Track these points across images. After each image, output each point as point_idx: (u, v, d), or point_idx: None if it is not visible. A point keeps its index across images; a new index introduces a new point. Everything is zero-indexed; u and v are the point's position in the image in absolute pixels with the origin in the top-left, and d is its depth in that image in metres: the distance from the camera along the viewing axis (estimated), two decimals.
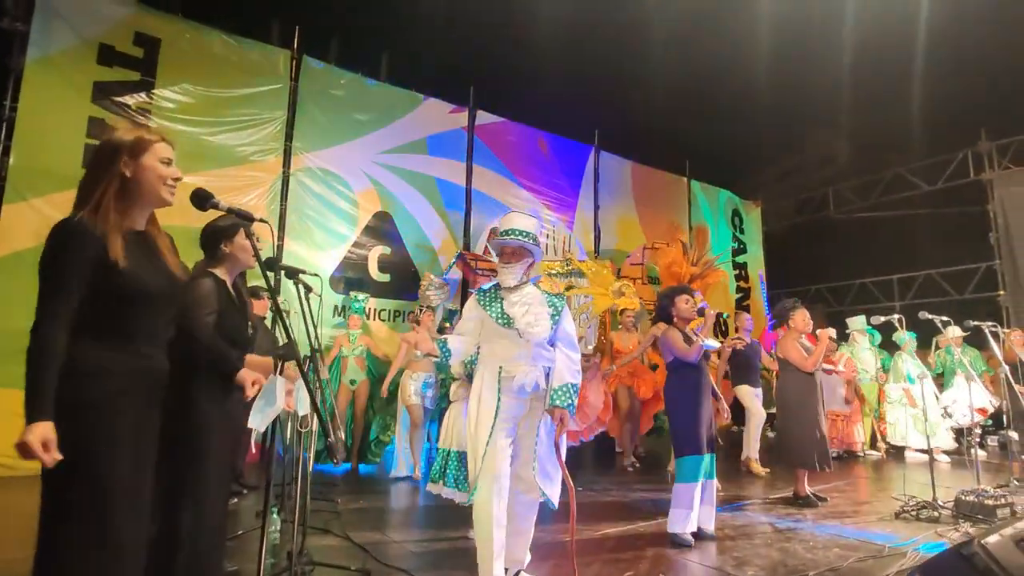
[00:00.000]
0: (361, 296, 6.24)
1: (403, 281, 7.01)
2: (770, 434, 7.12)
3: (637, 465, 5.77)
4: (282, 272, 2.28)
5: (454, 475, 3.28)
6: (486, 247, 7.23)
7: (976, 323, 4.95)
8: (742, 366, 5.68)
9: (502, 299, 2.64)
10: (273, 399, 1.66)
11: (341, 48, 7.03)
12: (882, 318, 4.35)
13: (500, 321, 2.57)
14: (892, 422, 6.65)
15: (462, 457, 3.27)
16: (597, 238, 9.00)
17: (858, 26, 7.34)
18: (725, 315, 8.92)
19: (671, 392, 3.46)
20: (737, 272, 10.91)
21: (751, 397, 5.65)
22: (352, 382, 5.51)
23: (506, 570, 2.54)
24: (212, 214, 1.79)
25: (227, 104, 6.09)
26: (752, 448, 5.56)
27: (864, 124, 9.05)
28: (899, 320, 4.30)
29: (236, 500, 4.04)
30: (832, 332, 4.44)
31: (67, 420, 1.41)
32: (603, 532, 3.52)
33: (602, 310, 6.33)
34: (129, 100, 5.64)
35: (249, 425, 1.73)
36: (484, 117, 8.07)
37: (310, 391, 1.65)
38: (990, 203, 8.66)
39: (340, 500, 4.11)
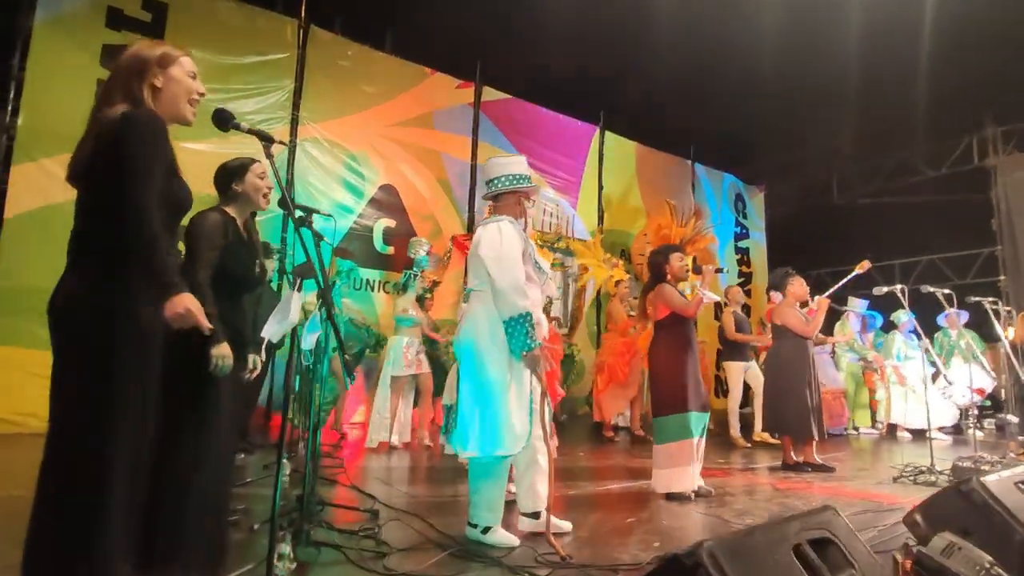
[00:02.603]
0: (348, 264, 6.17)
1: (407, 254, 7.03)
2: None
3: (616, 439, 5.82)
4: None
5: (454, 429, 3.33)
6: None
7: (977, 299, 5.00)
8: (731, 341, 5.72)
9: (529, 241, 2.67)
10: (288, 312, 1.71)
11: (348, 19, 7.00)
12: (884, 288, 4.39)
13: (537, 264, 2.60)
14: (886, 400, 6.70)
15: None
16: (600, 218, 9.01)
17: (864, 11, 7.32)
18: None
19: (659, 349, 3.44)
20: (739, 257, 10.94)
21: (738, 372, 5.69)
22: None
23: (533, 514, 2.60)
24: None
25: (234, 71, 6.09)
26: (733, 428, 5.62)
27: (869, 110, 9.03)
28: (902, 290, 4.34)
29: (243, 456, 4.10)
30: (828, 301, 4.47)
31: (99, 324, 1.44)
32: (605, 488, 3.58)
33: (602, 280, 6.37)
34: None
35: (263, 334, 1.77)
36: (490, 94, 8.06)
37: (331, 317, 1.68)
38: (993, 189, 8.67)
39: (344, 458, 4.17)
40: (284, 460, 3.25)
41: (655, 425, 3.38)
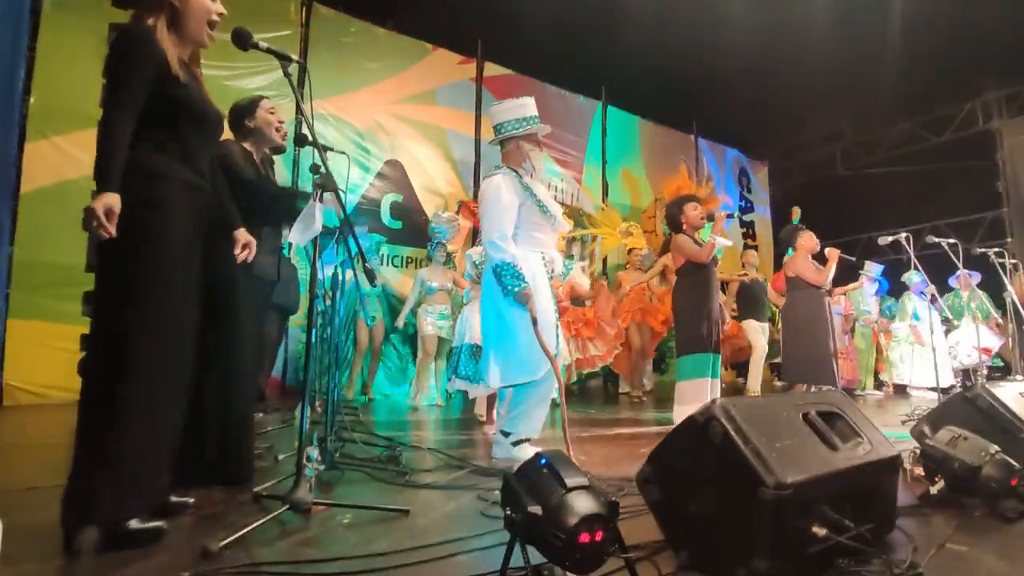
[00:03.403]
0: (378, 237, 6.37)
1: (415, 228, 7.10)
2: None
3: (644, 398, 5.90)
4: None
5: (466, 368, 3.43)
6: None
7: (983, 249, 5.02)
8: (749, 301, 5.77)
9: (532, 187, 2.74)
10: (312, 220, 1.77)
11: None
12: (889, 238, 4.42)
13: (542, 208, 2.68)
14: (896, 361, 6.72)
15: (472, 349, 3.42)
16: (605, 193, 9.04)
17: None
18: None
19: (680, 293, 3.55)
20: (745, 231, 10.95)
21: (756, 331, 5.74)
22: (372, 319, 5.63)
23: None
24: None
25: (239, 49, 6.14)
26: (754, 380, 5.64)
27: (870, 80, 9.00)
28: (906, 238, 4.37)
29: (261, 415, 4.19)
30: (838, 251, 4.50)
31: (128, 214, 1.50)
32: (616, 431, 3.65)
33: (610, 249, 6.41)
34: None
35: (290, 238, 1.84)
36: (492, 69, 8.10)
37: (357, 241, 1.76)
38: (999, 152, 8.64)
39: (360, 414, 4.25)
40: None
41: (678, 364, 3.49)
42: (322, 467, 1.83)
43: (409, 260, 7.07)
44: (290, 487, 1.75)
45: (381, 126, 7.09)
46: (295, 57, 1.89)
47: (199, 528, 1.65)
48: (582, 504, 1.11)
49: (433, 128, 7.53)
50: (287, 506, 1.67)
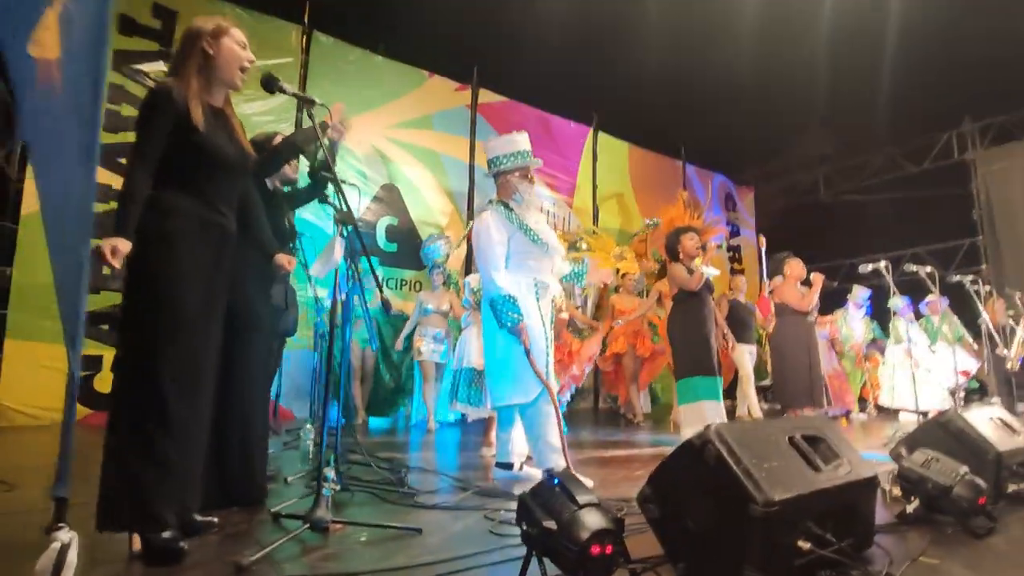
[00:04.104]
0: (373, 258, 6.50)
1: (410, 251, 7.23)
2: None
3: (639, 422, 6.01)
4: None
5: (466, 392, 3.54)
6: None
7: (958, 277, 5.25)
8: (737, 324, 5.94)
9: (522, 217, 2.88)
10: (332, 254, 1.90)
11: (350, 25, 7.24)
12: (870, 266, 4.62)
13: (532, 237, 2.82)
14: (892, 384, 6.88)
15: (472, 374, 3.54)
16: (595, 216, 9.26)
17: (847, 15, 7.64)
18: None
19: (674, 320, 3.71)
20: (731, 254, 11.20)
21: (743, 355, 5.90)
22: (365, 340, 5.71)
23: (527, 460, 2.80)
24: None
25: None
26: (752, 404, 5.78)
27: (852, 110, 9.36)
28: (886, 267, 4.57)
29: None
30: (822, 276, 4.70)
31: (145, 246, 1.65)
32: (612, 453, 3.76)
33: (607, 270, 6.57)
34: (148, 68, 5.85)
35: (311, 272, 1.97)
36: (487, 96, 8.33)
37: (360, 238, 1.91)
38: (973, 182, 8.99)
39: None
40: (308, 425, 3.43)
41: (679, 387, 3.62)
42: (338, 487, 1.93)
43: (403, 283, 7.19)
44: (309, 507, 1.85)
45: (378, 151, 7.26)
46: (319, 100, 2.02)
47: (225, 545, 1.74)
48: (592, 520, 1.23)
49: (429, 153, 7.72)
50: (307, 524, 1.77)
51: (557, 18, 7.57)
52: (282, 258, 2.24)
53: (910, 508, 1.99)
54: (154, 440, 1.58)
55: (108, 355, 5.20)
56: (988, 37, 7.52)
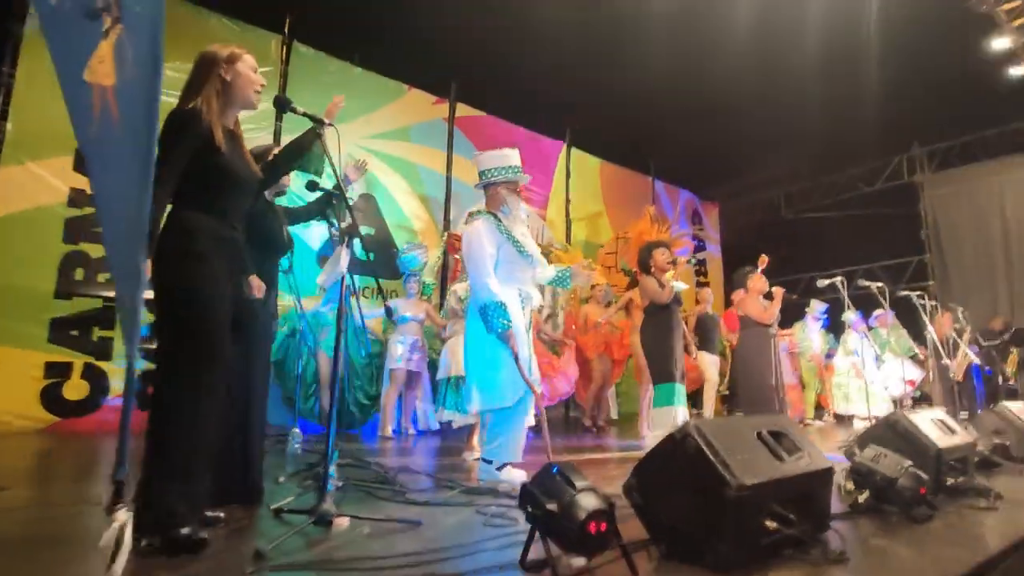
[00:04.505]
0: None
1: (386, 260, 7.32)
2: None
3: (606, 427, 6.22)
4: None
5: (454, 399, 3.66)
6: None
7: (906, 292, 5.64)
8: (702, 334, 6.23)
9: (510, 229, 3.05)
10: (338, 264, 2.03)
11: (330, 36, 7.33)
12: (827, 280, 4.94)
13: (519, 248, 2.98)
14: (843, 394, 7.28)
15: (457, 381, 3.67)
16: (568, 229, 9.50)
17: (810, 46, 8.10)
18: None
19: (646, 331, 3.92)
20: (697, 268, 11.59)
21: (708, 364, 6.19)
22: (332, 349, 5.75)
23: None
24: None
25: None
26: (708, 409, 6.07)
27: (813, 134, 9.88)
28: (841, 282, 4.90)
29: None
30: (783, 290, 5.00)
31: (178, 264, 1.77)
32: (587, 456, 3.93)
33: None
34: None
35: (318, 280, 2.09)
36: (464, 110, 8.51)
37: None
38: (921, 203, 9.59)
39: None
40: (295, 430, 3.50)
41: (655, 391, 3.81)
42: (340, 483, 2.04)
43: (380, 291, 7.25)
44: (307, 504, 1.96)
45: (355, 161, 7.33)
46: (327, 120, 2.15)
47: (233, 539, 1.83)
48: (589, 502, 1.40)
49: (406, 164, 7.84)
50: (313, 518, 1.88)
51: (533, 36, 7.81)
52: (255, 281, 2.21)
53: (861, 499, 2.21)
54: (191, 460, 1.69)
55: (78, 362, 5.14)
56: (936, 69, 8.08)
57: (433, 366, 5.61)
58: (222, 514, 1.95)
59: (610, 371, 6.41)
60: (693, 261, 11.20)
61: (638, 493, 1.70)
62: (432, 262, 6.97)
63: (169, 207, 1.80)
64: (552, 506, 1.39)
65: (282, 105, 2.06)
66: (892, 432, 2.57)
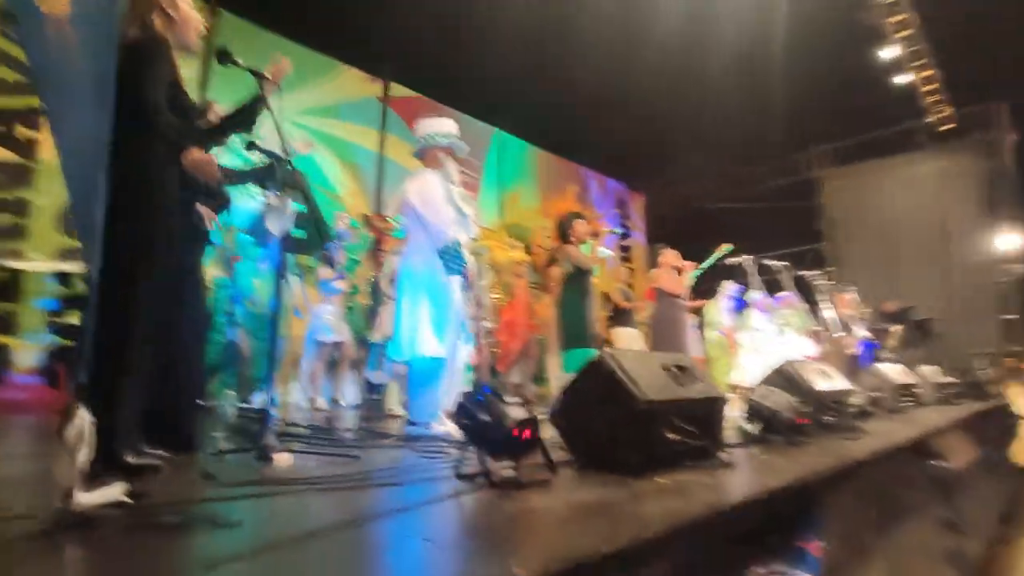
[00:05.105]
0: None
1: (316, 238, 7.22)
2: None
3: (527, 400, 6.48)
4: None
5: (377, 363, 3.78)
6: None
7: (806, 272, 6.24)
8: (619, 309, 6.60)
9: (450, 190, 3.20)
10: (284, 211, 2.10)
11: (261, 7, 7.12)
12: (738, 260, 5.41)
13: (457, 208, 3.13)
14: (745, 366, 7.91)
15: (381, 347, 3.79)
16: (499, 212, 9.70)
17: (726, 47, 8.68)
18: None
19: (564, 296, 4.12)
20: (623, 255, 12.13)
21: (624, 338, 6.55)
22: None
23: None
24: None
25: None
26: None
27: (729, 131, 10.59)
28: (752, 261, 5.38)
29: None
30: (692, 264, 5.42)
31: (135, 213, 1.78)
32: None
33: (503, 261, 7.01)
34: None
35: (267, 226, 2.15)
36: (398, 90, 8.51)
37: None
38: (820, 196, 10.52)
39: None
40: (229, 392, 3.50)
41: (565, 357, 4.02)
42: (282, 421, 2.13)
43: (309, 268, 7.17)
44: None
45: (286, 135, 7.19)
46: (269, 75, 2.21)
47: (180, 470, 1.90)
48: (517, 413, 1.59)
49: (337, 141, 7.76)
50: (257, 451, 1.97)
51: (469, 21, 7.92)
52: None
53: (753, 428, 2.54)
54: (128, 389, 1.72)
55: None
56: (835, 75, 8.90)
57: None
58: (162, 452, 1.99)
59: (534, 347, 6.67)
60: (618, 235, 11.68)
61: (561, 417, 1.92)
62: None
63: None
64: (485, 416, 1.57)
65: (224, 57, 2.10)
66: (781, 377, 2.94)
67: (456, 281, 3.05)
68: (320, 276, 5.54)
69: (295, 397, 5.08)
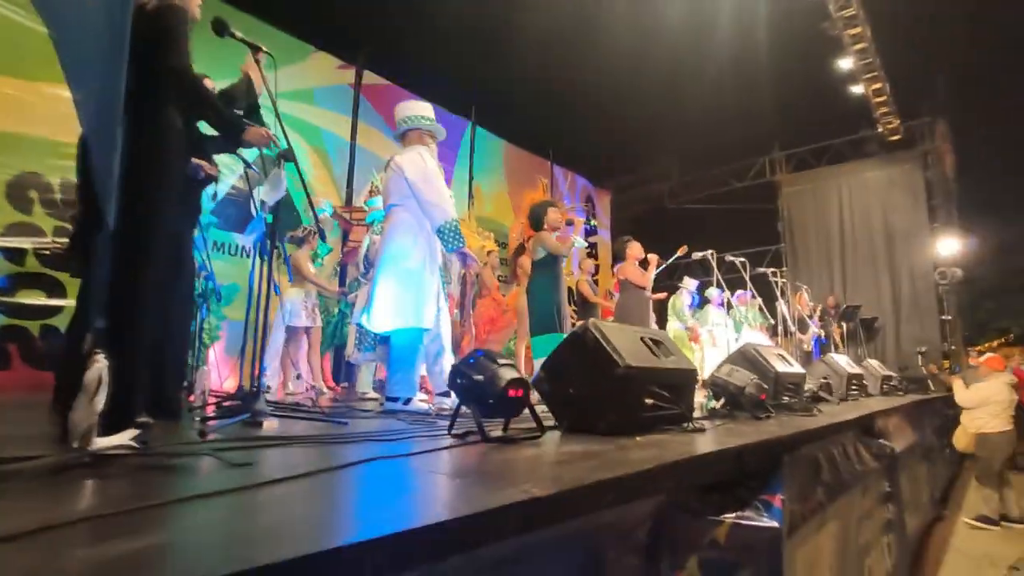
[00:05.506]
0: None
1: (286, 223, 7.15)
2: None
3: None
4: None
5: (358, 340, 3.82)
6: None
7: (763, 269, 6.54)
8: (584, 304, 6.78)
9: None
10: (278, 184, 2.14)
11: None
12: (700, 255, 5.64)
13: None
14: (706, 359, 8.21)
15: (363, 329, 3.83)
16: (470, 205, 9.76)
17: (691, 61, 8.96)
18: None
19: (535, 283, 4.21)
20: (589, 251, 12.35)
21: None
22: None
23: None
24: None
25: None
26: None
27: (695, 134, 10.93)
28: (711, 254, 5.62)
29: None
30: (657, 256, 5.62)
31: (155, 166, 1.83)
32: None
33: (475, 249, 7.09)
34: None
35: (262, 197, 2.19)
36: (371, 78, 8.46)
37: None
38: (779, 199, 10.95)
39: None
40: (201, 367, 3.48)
41: (533, 344, 4.11)
42: (271, 386, 2.17)
43: (278, 254, 7.10)
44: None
45: (255, 119, 7.09)
46: (265, 47, 2.24)
47: (170, 432, 1.93)
48: (508, 373, 1.69)
49: (309, 127, 7.68)
50: (248, 415, 2.01)
51: (444, 10, 7.94)
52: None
53: (717, 405, 2.71)
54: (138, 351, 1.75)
55: None
56: (795, 83, 9.28)
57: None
58: (150, 420, 2.01)
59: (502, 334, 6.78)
60: (584, 242, 11.94)
61: (546, 382, 2.02)
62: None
63: None
64: (479, 377, 1.66)
65: (221, 28, 2.12)
66: (743, 358, 3.13)
67: (453, 258, 3.12)
68: (294, 259, 5.53)
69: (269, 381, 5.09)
